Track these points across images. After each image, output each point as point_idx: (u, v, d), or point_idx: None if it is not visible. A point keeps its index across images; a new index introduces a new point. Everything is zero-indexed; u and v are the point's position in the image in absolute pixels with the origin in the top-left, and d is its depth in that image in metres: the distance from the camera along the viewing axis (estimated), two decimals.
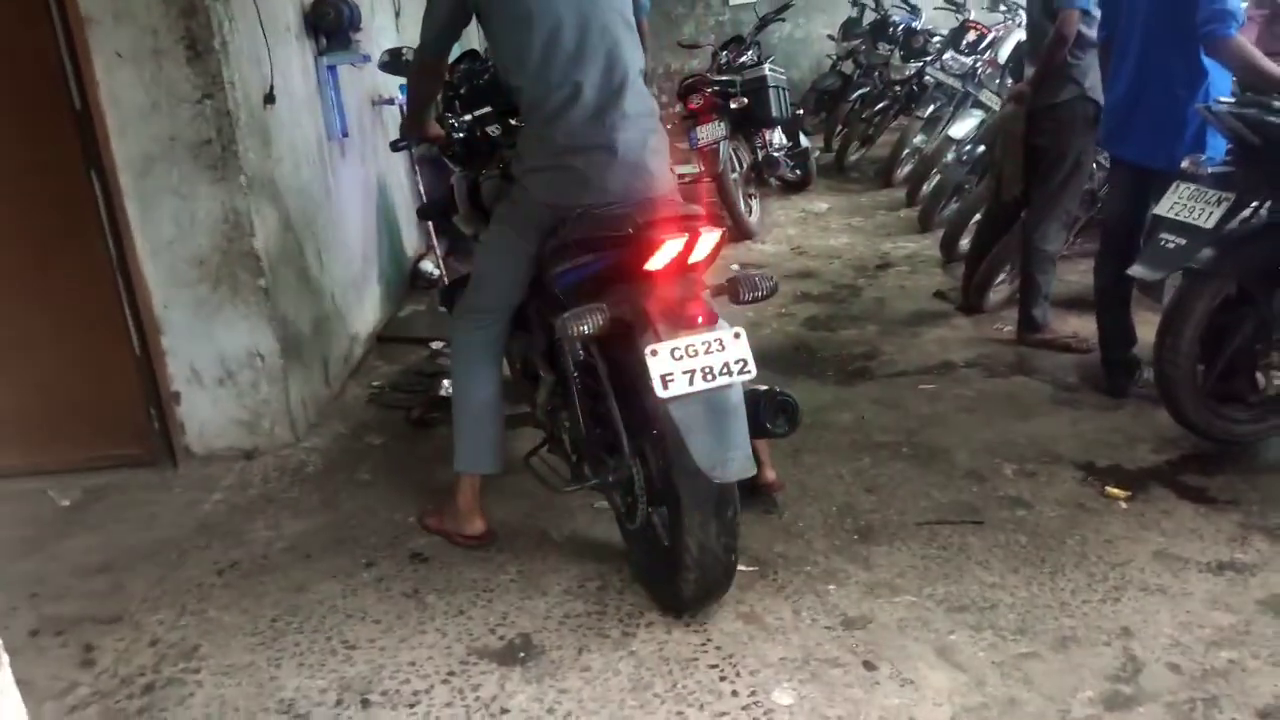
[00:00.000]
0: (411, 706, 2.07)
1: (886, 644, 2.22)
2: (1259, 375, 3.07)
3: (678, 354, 1.99)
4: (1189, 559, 2.51)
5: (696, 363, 1.99)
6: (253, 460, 3.26)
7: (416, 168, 4.76)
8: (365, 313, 4.27)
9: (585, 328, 2.04)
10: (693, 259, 2.08)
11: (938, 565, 2.52)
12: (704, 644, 2.22)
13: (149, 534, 2.85)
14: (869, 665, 2.15)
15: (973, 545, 2.61)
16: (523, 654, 2.23)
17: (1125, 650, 2.18)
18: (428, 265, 5.04)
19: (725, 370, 2.02)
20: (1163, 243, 2.89)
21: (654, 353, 1.98)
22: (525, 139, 2.43)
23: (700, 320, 2.05)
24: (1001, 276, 4.29)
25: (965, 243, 4.70)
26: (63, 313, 3.11)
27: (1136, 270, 2.99)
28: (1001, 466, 3.02)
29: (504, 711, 2.05)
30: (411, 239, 5.23)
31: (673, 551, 2.18)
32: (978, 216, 4.53)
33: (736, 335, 2.06)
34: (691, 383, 1.99)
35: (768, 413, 2.14)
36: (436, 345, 4.14)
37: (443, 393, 3.62)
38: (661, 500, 2.24)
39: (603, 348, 2.24)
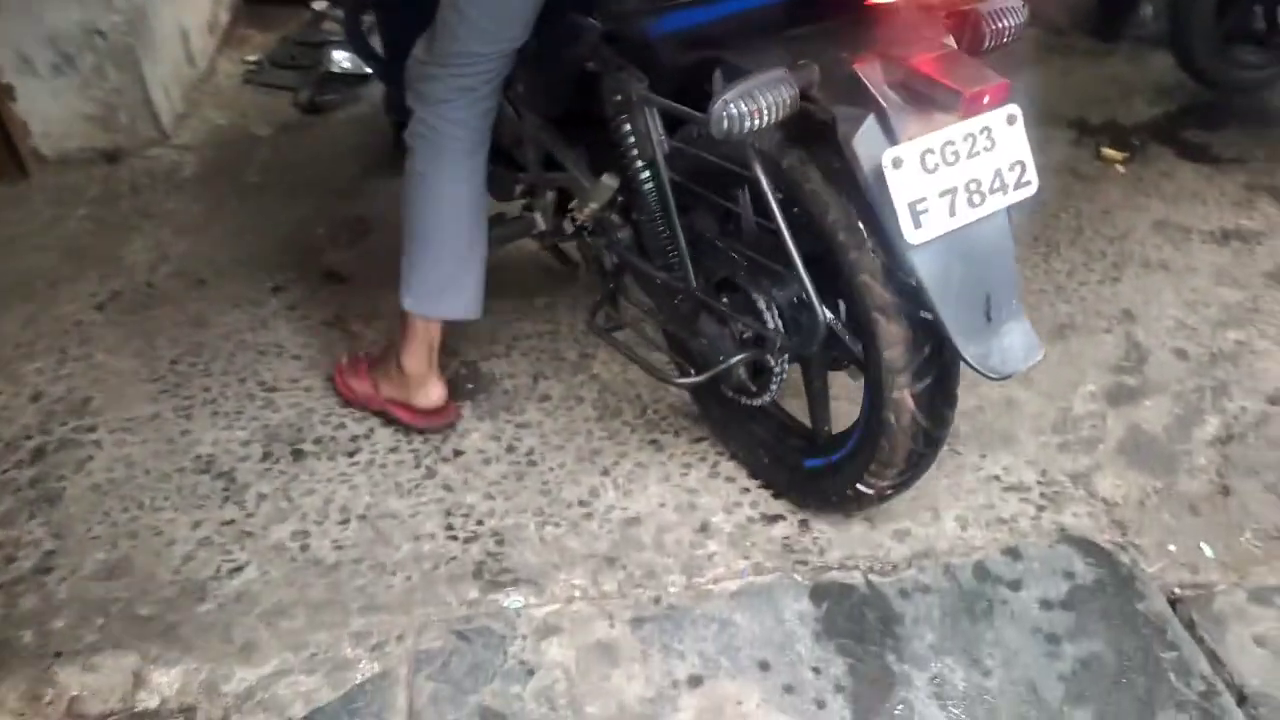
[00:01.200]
0: (351, 455, 1.85)
1: None
2: None
3: (932, 161, 1.20)
4: (1192, 228, 2.33)
5: (958, 175, 1.22)
6: (116, 164, 2.77)
7: None
8: None
9: (767, 114, 1.19)
10: None
11: None
12: (671, 362, 2.00)
13: (8, 262, 2.43)
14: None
15: None
16: (470, 385, 1.99)
17: (1128, 337, 2.04)
18: None
19: (997, 185, 1.26)
20: None
21: (897, 162, 1.19)
22: None
23: (986, 98, 1.21)
24: None
25: None
26: None
27: None
28: None
29: (457, 454, 1.85)
30: None
31: (865, 445, 1.50)
32: None
33: (1011, 119, 1.26)
34: (953, 212, 1.23)
35: None
36: (319, 5, 3.49)
37: (333, 68, 3.08)
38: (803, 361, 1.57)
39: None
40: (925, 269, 1.24)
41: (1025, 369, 1.33)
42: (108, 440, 1.91)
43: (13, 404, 2.01)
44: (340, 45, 3.12)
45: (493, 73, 1.59)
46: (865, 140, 1.21)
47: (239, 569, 1.66)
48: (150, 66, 2.75)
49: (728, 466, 1.78)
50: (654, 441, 1.85)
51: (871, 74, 1.22)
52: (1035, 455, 1.80)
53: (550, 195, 1.85)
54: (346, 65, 3.08)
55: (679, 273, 1.59)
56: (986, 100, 1.21)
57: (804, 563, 1.61)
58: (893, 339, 1.34)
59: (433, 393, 1.83)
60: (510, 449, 1.85)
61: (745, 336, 1.55)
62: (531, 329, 2.11)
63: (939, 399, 1.42)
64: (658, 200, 1.54)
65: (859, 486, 1.53)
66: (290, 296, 2.25)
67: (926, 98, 1.21)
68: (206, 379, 2.04)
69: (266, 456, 1.86)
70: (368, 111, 2.97)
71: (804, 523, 1.67)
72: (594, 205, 1.67)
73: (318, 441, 1.89)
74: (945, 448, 1.74)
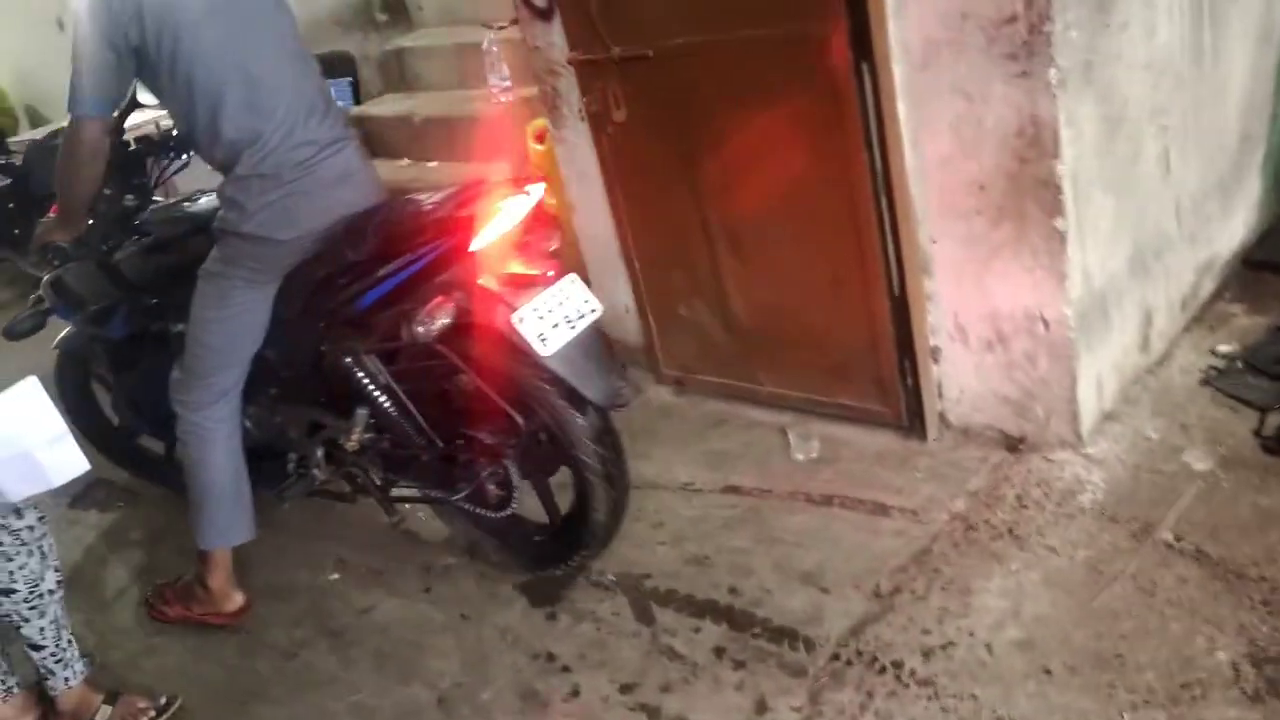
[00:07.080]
0: None
1: None
2: None
3: (539, 313, 2.20)
4: None
5: (560, 314, 2.23)
6: (1015, 455, 2.66)
7: None
8: (1229, 227, 3.16)
9: (443, 319, 2.25)
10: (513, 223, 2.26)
11: None
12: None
13: (874, 544, 2.51)
14: None
15: None
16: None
17: None
18: None
19: (583, 313, 2.27)
20: None
21: (521, 320, 2.18)
22: (235, 186, 2.43)
23: (551, 274, 2.28)
24: None
25: None
26: (813, 229, 2.80)
27: None
28: None
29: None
30: None
31: (581, 495, 2.46)
32: None
33: (573, 280, 2.30)
34: (563, 333, 2.21)
35: None
36: None
37: None
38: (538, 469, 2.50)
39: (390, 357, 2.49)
40: (561, 367, 2.22)
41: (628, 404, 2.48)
42: None
43: None
44: None
45: (239, 376, 2.61)
46: (497, 314, 2.22)
47: None
48: (1088, 359, 2.56)
49: None
50: None
51: (490, 280, 2.26)
52: None
53: (319, 453, 2.70)
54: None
55: (433, 451, 2.53)
56: (551, 274, 2.28)
57: None
58: (596, 459, 2.37)
59: (236, 599, 2.77)
60: None
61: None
62: None
63: None
64: (396, 404, 2.49)
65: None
66: None
67: (524, 281, 2.27)
68: None
69: None
70: None
71: None
72: (358, 433, 2.53)
73: None
74: None
